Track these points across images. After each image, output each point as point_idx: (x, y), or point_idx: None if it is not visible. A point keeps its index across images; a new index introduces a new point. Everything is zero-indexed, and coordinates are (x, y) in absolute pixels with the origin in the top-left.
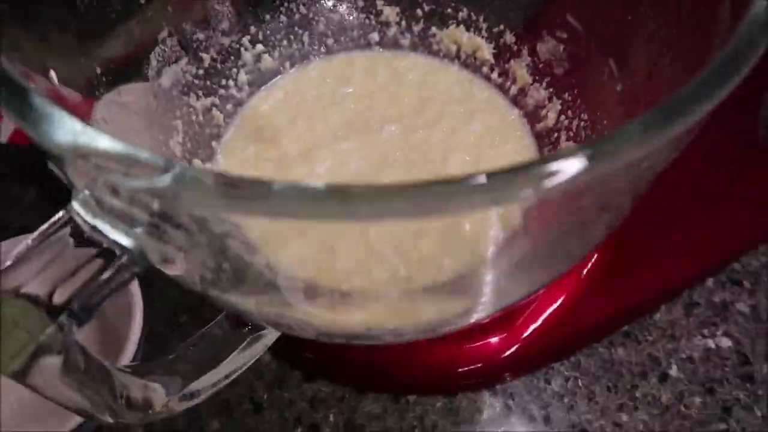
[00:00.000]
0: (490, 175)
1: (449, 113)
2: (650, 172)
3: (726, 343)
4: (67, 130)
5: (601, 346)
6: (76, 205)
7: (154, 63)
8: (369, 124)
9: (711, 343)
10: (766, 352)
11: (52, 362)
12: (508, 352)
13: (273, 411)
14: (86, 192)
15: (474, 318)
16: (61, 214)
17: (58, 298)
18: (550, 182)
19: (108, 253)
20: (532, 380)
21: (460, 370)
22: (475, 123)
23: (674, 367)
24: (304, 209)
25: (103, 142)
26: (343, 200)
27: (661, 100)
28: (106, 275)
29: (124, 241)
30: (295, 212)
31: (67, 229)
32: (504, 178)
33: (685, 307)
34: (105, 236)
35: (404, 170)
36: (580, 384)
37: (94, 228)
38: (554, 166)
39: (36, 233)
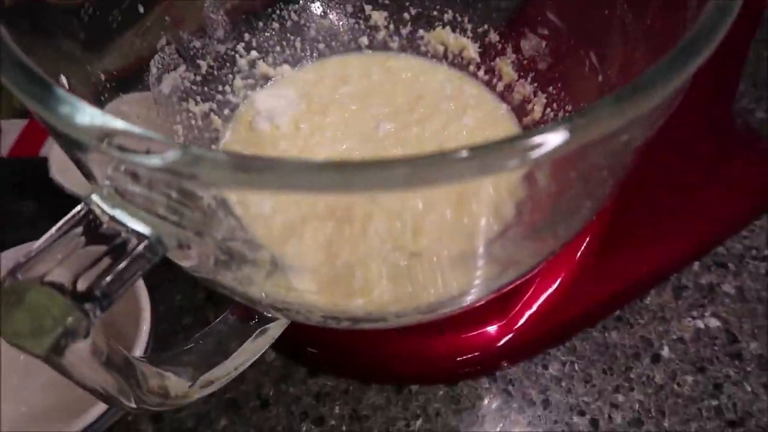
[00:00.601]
0: (477, 148)
1: (441, 109)
2: (628, 147)
3: (714, 323)
4: (90, 115)
5: (595, 330)
6: (95, 197)
7: (154, 70)
8: (367, 123)
9: (700, 324)
10: (752, 331)
11: (80, 346)
12: (504, 340)
13: (280, 406)
14: (106, 182)
15: (471, 297)
16: (78, 208)
17: (81, 286)
18: (535, 153)
19: (124, 245)
20: (530, 366)
21: (459, 359)
22: (466, 118)
23: (666, 348)
24: (308, 181)
25: (122, 124)
26: (342, 171)
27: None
28: (124, 263)
29: (143, 228)
30: (301, 185)
31: (85, 223)
32: (491, 149)
33: (674, 290)
34: (124, 225)
35: None
36: (576, 368)
37: (113, 219)
38: (538, 138)
39: (54, 228)
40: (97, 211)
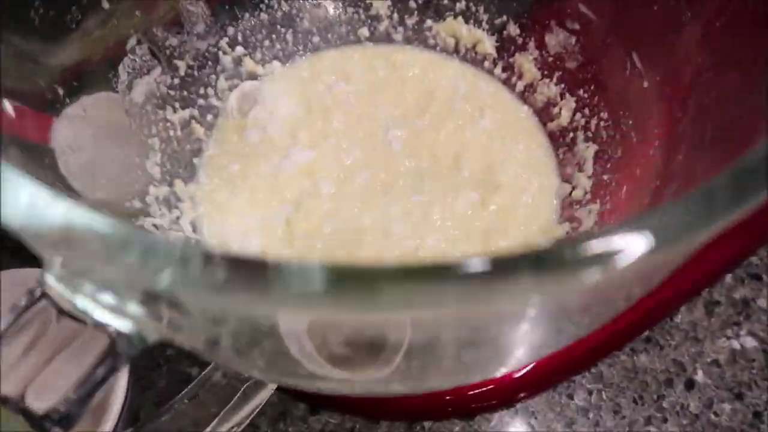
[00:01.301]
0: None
1: (456, 111)
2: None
3: (751, 342)
4: (17, 205)
5: (623, 353)
6: (50, 279)
7: (124, 76)
8: (374, 129)
9: (736, 344)
10: None
11: None
12: (522, 372)
13: None
14: (60, 268)
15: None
16: (33, 287)
17: (36, 403)
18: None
19: (89, 342)
20: (553, 396)
21: (470, 393)
22: (483, 121)
23: (700, 372)
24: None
25: (82, 222)
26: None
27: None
28: (88, 368)
29: (113, 321)
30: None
31: (40, 313)
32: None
33: (705, 307)
34: (88, 315)
35: (414, 183)
36: (604, 397)
37: (74, 307)
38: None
39: (8, 312)
40: (55, 297)
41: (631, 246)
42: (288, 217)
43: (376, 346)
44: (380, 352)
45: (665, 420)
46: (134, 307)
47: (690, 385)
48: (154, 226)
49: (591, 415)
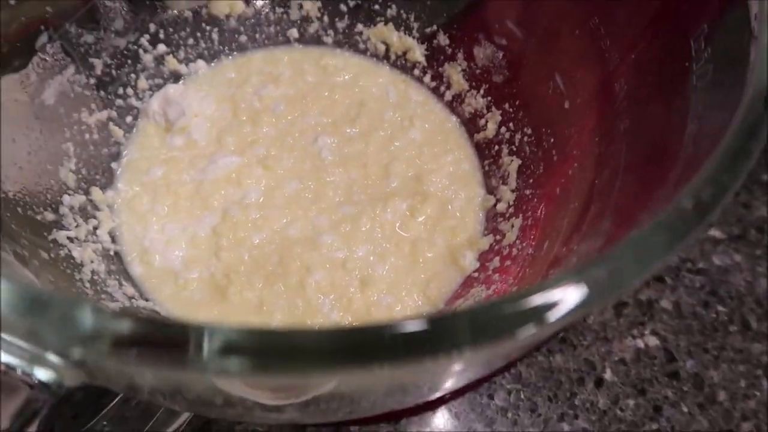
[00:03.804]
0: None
1: (386, 119)
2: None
3: (654, 341)
4: None
5: (540, 354)
6: None
7: (33, 77)
8: (304, 137)
9: (640, 343)
10: (688, 348)
11: None
12: None
13: None
14: None
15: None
16: None
17: None
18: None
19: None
20: (475, 396)
21: None
22: (413, 131)
23: (608, 370)
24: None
25: None
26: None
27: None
28: (10, 413)
29: (28, 368)
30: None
31: None
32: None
33: (614, 308)
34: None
35: (344, 193)
36: (522, 396)
37: None
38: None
39: None
40: None
41: (565, 299)
42: (214, 227)
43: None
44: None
45: (576, 416)
46: (53, 358)
47: (599, 383)
48: (69, 239)
49: (510, 415)
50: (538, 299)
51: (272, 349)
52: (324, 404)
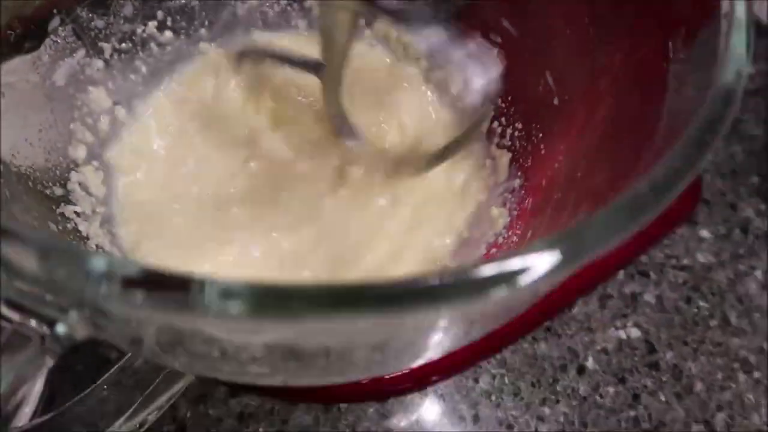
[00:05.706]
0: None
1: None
2: None
3: (636, 333)
4: None
5: (525, 341)
6: None
7: (45, 59)
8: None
9: (623, 334)
10: (669, 341)
11: None
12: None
13: (198, 429)
14: None
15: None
16: None
17: None
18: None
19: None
20: (461, 379)
21: (386, 377)
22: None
23: (591, 359)
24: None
25: None
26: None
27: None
28: (20, 360)
29: (41, 318)
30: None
31: None
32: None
33: (600, 300)
34: (17, 314)
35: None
36: (506, 381)
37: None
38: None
39: None
40: None
41: (536, 264)
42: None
43: (296, 350)
44: (300, 355)
45: (557, 401)
46: (65, 310)
47: (581, 370)
48: (76, 213)
49: (493, 398)
50: (514, 263)
51: (268, 295)
52: (313, 360)
